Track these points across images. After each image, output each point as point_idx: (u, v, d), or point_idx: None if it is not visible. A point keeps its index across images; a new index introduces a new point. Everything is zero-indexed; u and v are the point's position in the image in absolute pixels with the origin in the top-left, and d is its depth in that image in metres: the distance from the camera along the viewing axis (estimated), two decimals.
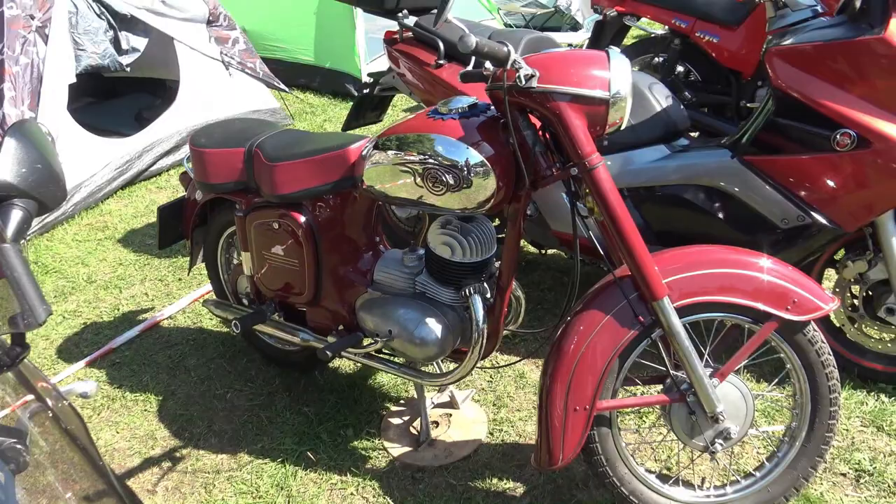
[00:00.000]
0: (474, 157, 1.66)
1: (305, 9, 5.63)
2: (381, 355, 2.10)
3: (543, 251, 2.90)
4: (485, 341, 1.86)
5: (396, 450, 2.16)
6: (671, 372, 1.72)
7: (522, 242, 3.12)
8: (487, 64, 1.61)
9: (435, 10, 3.00)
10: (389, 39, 2.93)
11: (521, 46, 2.60)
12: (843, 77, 1.95)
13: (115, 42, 4.32)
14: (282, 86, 4.95)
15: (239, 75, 4.79)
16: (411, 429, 2.23)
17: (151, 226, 3.69)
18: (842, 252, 2.28)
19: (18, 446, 0.87)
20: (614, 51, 1.61)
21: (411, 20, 2.71)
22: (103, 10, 4.20)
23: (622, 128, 1.64)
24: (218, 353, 2.66)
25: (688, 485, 1.83)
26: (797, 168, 2.05)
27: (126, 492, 1.02)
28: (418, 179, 1.74)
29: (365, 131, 3.76)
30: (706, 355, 1.72)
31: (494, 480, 2.03)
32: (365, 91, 3.06)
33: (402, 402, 2.35)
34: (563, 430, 1.67)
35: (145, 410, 2.40)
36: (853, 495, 1.91)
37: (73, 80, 3.98)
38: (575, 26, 6.38)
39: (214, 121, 4.25)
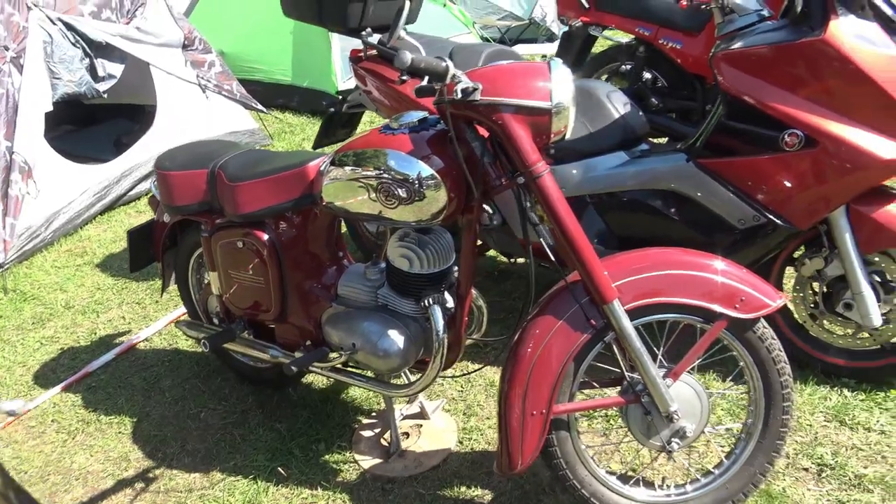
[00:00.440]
0: (424, 170, 1.70)
1: (282, 29, 5.68)
2: (349, 368, 2.13)
3: (513, 260, 2.94)
4: (446, 351, 1.89)
5: (367, 462, 2.18)
6: (626, 374, 1.75)
7: (494, 252, 3.17)
8: None
9: (404, 29, 3.07)
10: (355, 58, 2.98)
11: (482, 60, 2.64)
12: (788, 79, 1.99)
13: (92, 69, 4.36)
14: (259, 106, 4.99)
15: (216, 98, 4.84)
16: (382, 441, 2.25)
17: None
18: (802, 250, 2.32)
19: None
20: (556, 62, 1.66)
21: (375, 38, 2.76)
22: (78, 38, 4.24)
23: (568, 136, 1.68)
24: (193, 374, 2.68)
25: (649, 485, 1.85)
26: (749, 169, 2.09)
27: None
28: (373, 194, 1.77)
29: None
30: (660, 356, 1.75)
31: (463, 488, 2.05)
32: (332, 110, 3.10)
33: (373, 414, 2.37)
34: (522, 435, 1.70)
35: (119, 433, 2.42)
36: (815, 489, 1.94)
37: (50, 108, 4.01)
38: (551, 37, 6.46)
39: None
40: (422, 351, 1.99)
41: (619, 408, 1.82)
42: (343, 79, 5.50)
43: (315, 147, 3.29)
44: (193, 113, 4.68)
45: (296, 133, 5.36)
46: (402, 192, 1.73)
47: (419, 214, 1.75)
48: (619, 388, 1.80)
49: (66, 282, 3.47)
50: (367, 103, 3.00)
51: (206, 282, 2.52)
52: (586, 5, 3.61)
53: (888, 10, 1.94)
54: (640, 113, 2.54)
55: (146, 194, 4.44)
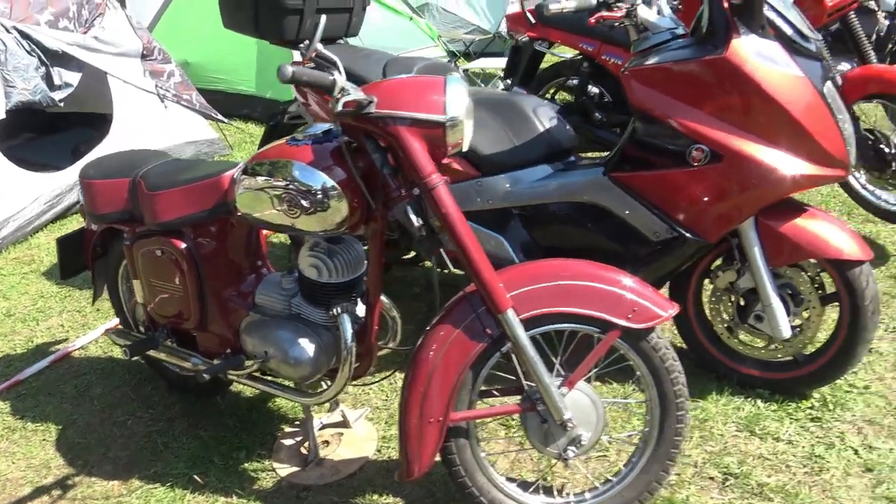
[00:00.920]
0: (326, 181, 1.73)
1: (246, 41, 5.67)
2: (265, 376, 2.15)
3: (447, 269, 2.96)
4: (354, 359, 1.91)
5: (285, 470, 2.19)
6: (524, 382, 1.78)
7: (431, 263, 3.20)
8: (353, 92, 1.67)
9: (343, 40, 3.12)
10: None
11: (414, 73, 2.68)
12: (693, 95, 2.05)
13: (48, 78, 4.37)
14: (219, 116, 5.01)
15: (175, 107, 4.86)
16: (302, 449, 2.26)
17: None
18: (720, 262, 2.37)
19: None
20: (453, 77, 1.70)
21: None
22: (34, 47, 4.26)
23: (464, 148, 1.72)
24: (124, 382, 2.69)
25: (548, 491, 1.88)
26: (659, 183, 2.14)
27: None
28: (279, 204, 1.80)
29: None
30: (557, 365, 1.79)
31: (376, 496, 2.07)
32: (271, 123, 3.13)
33: (296, 423, 2.39)
34: (419, 442, 1.72)
35: (44, 440, 2.42)
36: (718, 498, 1.97)
37: (3, 116, 4.02)
38: None
39: None
40: (334, 359, 2.01)
41: (520, 416, 1.84)
42: None
43: None
44: (151, 122, 4.69)
45: (256, 143, 5.37)
46: (304, 203, 1.76)
47: (322, 225, 1.78)
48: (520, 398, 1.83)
49: (9, 290, 3.47)
50: (306, 115, 3.03)
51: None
52: (532, 21, 3.68)
53: (788, 30, 2.00)
54: (568, 127, 2.58)
55: None
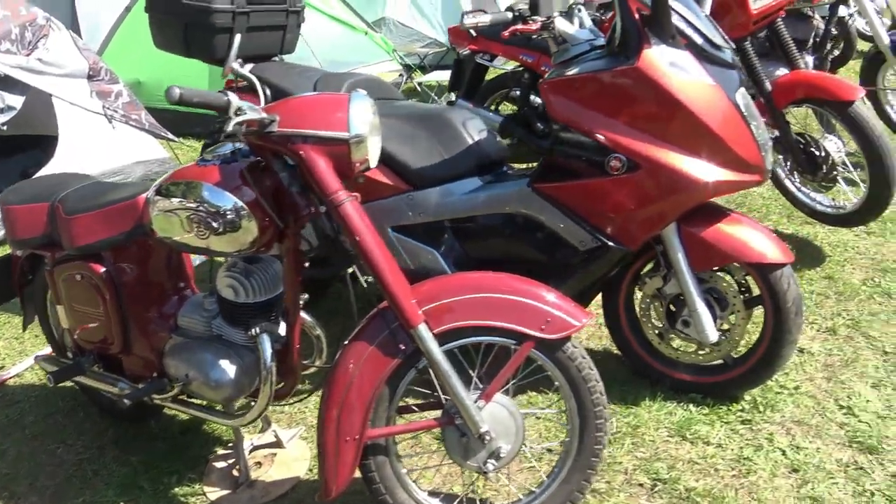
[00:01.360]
0: (235, 201, 1.72)
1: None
2: (191, 399, 2.12)
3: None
4: (275, 379, 1.90)
5: (215, 493, 2.16)
6: (442, 396, 1.77)
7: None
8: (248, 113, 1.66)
9: (278, 57, 3.11)
10: (228, 88, 2.99)
11: (345, 89, 2.68)
12: (608, 105, 2.07)
13: None
14: (169, 135, 4.97)
15: (124, 127, 4.81)
16: (234, 471, 2.23)
17: None
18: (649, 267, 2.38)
19: None
20: (358, 94, 1.70)
21: (247, 68, 2.80)
22: None
23: (372, 165, 1.72)
24: (57, 409, 2.64)
25: None
26: (580, 193, 2.16)
27: None
28: (191, 225, 1.79)
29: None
30: (475, 378, 1.78)
31: None
32: (206, 142, 3.11)
33: (229, 445, 2.36)
34: (336, 461, 1.71)
35: None
36: None
37: None
38: None
39: (97, 174, 4.26)
40: (257, 380, 1.99)
41: (440, 430, 1.83)
42: None
43: None
44: (98, 143, 4.64)
45: None
46: (214, 224, 1.74)
47: (234, 245, 1.77)
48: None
49: None
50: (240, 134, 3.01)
51: None
52: (473, 34, 3.70)
53: (698, 39, 2.03)
54: (498, 139, 2.60)
55: None
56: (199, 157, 1.83)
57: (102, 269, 2.06)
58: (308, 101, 1.67)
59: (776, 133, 3.09)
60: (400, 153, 2.50)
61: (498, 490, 2.04)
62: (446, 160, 2.48)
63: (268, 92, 2.71)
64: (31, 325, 3.09)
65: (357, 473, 1.75)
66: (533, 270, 2.39)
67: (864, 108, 2.83)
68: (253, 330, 1.90)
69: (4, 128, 4.39)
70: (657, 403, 2.35)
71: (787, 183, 3.25)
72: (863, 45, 5.39)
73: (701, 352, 2.35)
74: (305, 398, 2.32)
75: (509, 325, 1.71)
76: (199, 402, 2.12)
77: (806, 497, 1.95)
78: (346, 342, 1.77)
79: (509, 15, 2.23)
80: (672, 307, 2.32)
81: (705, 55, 2.04)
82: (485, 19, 2.22)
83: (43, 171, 4.35)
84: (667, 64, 1.99)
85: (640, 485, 2.05)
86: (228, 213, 1.73)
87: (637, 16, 2.00)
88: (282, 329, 1.96)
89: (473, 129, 2.54)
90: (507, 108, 4.20)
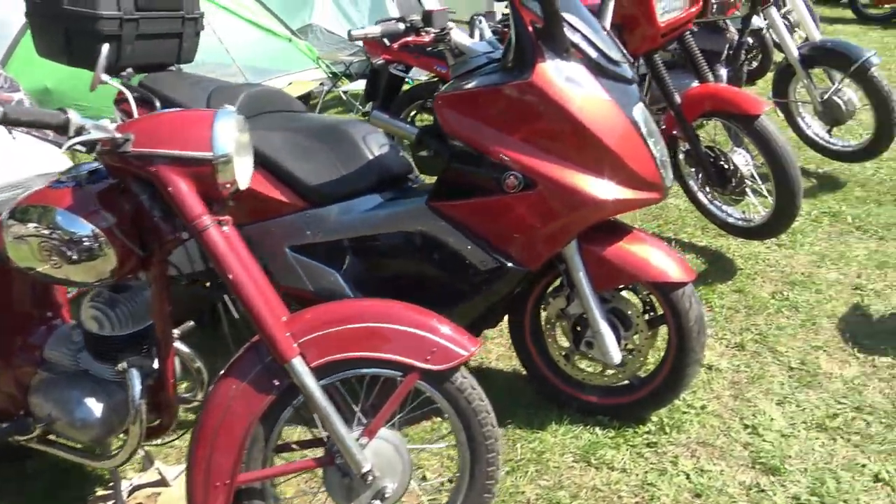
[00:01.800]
0: (91, 227, 1.57)
1: None
2: (60, 440, 1.95)
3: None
4: (145, 417, 1.75)
5: None
6: (323, 434, 1.66)
7: None
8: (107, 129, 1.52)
9: (173, 67, 2.95)
10: (118, 100, 2.82)
11: (240, 101, 2.54)
12: (503, 121, 1.99)
13: None
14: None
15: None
16: None
17: None
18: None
19: None
20: (224, 111, 1.57)
21: (138, 78, 2.64)
22: None
23: (241, 187, 1.60)
24: None
25: None
26: (476, 211, 2.08)
27: None
28: (45, 253, 1.63)
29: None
30: (358, 412, 1.68)
31: None
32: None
33: (111, 485, 2.19)
34: None
35: None
36: None
37: None
38: None
39: None
40: (128, 418, 1.84)
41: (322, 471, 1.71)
42: None
43: None
44: None
45: None
46: (68, 252, 1.59)
47: (93, 275, 1.62)
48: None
49: None
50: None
51: None
52: (387, 43, 3.60)
53: (593, 54, 1.97)
54: (401, 153, 2.50)
55: None
56: (54, 180, 1.68)
57: None
58: (167, 119, 1.54)
59: (687, 146, 3.08)
60: (297, 169, 2.38)
61: None
62: (345, 176, 2.37)
63: (158, 105, 2.55)
64: None
65: None
66: (435, 290, 2.32)
67: (769, 122, 2.84)
68: (121, 364, 1.75)
69: None
70: (563, 427, 2.28)
71: (700, 196, 3.24)
72: (781, 56, 5.51)
73: (607, 373, 2.30)
74: (184, 434, 2.17)
75: (392, 357, 1.61)
76: (66, 442, 1.95)
77: None
78: (215, 380, 1.64)
79: (401, 26, 2.14)
80: (577, 327, 2.26)
81: (601, 70, 1.98)
82: (375, 31, 2.12)
83: None
84: (561, 79, 1.93)
85: None
86: (84, 240, 1.58)
87: (531, 29, 1.93)
88: (156, 362, 1.82)
89: (374, 143, 2.43)
90: (425, 119, 4.12)
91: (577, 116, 1.92)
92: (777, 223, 2.98)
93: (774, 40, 5.05)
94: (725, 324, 2.77)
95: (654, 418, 2.29)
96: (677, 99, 2.99)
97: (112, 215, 1.59)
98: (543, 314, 2.32)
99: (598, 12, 2.26)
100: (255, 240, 2.47)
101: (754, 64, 5.53)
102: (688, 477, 2.07)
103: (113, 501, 2.12)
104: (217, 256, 1.52)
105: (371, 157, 2.40)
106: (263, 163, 2.42)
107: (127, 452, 1.80)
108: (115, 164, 1.54)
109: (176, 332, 1.84)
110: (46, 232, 1.61)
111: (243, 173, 1.59)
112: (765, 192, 3.03)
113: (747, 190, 3.05)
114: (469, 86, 2.04)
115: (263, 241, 2.46)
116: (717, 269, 3.15)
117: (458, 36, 2.13)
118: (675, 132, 3.10)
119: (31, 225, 1.64)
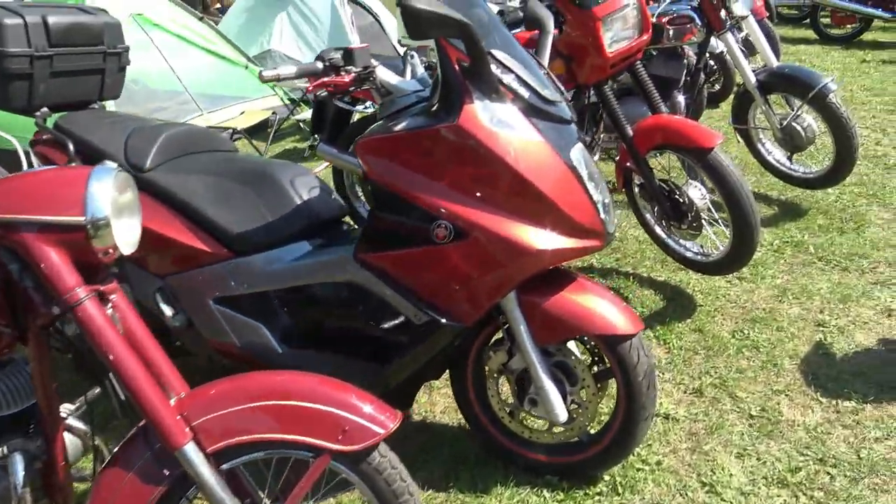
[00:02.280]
0: None
1: None
2: None
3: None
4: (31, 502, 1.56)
5: None
6: None
7: None
8: None
9: (95, 105, 2.77)
10: (33, 140, 2.64)
11: (159, 143, 2.37)
12: (430, 166, 1.84)
13: None
14: None
15: None
16: None
17: None
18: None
19: None
20: (102, 168, 1.40)
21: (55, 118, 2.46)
22: None
23: (125, 252, 1.43)
24: None
25: None
26: (405, 263, 1.92)
27: None
28: None
29: None
30: (264, 498, 1.50)
31: None
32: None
33: None
34: None
35: None
36: None
37: None
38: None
39: None
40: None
41: None
42: None
43: None
44: None
45: None
46: None
47: None
48: None
49: None
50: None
51: None
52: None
53: (525, 93, 1.83)
54: (333, 196, 2.35)
55: None
56: None
57: None
58: (33, 180, 1.37)
59: (640, 180, 2.96)
60: (218, 216, 2.21)
61: None
62: (270, 223, 2.21)
63: (70, 146, 2.37)
64: None
65: None
66: (368, 345, 2.16)
67: (723, 156, 2.72)
68: (2, 449, 1.56)
69: None
70: (509, 489, 2.12)
71: (657, 229, 3.12)
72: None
73: (554, 430, 2.14)
74: None
75: (301, 438, 1.44)
76: None
77: None
78: (102, 467, 1.46)
79: (319, 65, 1.98)
80: (522, 382, 2.10)
81: (535, 110, 1.85)
82: (289, 72, 1.97)
83: None
84: (490, 121, 1.79)
85: None
86: None
87: (457, 68, 1.79)
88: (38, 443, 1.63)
89: (303, 186, 2.28)
90: None
91: (508, 161, 1.78)
92: (735, 259, 2.86)
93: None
94: (684, 367, 2.63)
95: (607, 477, 2.14)
96: (629, 131, 2.87)
97: None
98: (487, 368, 2.16)
99: (536, 48, 2.12)
100: (178, 291, 2.31)
101: (717, 86, 5.47)
102: None
103: None
104: (92, 334, 1.35)
105: (299, 201, 2.24)
106: (183, 210, 2.26)
107: None
108: None
109: (67, 407, 1.66)
110: None
111: (127, 237, 1.42)
112: (722, 227, 2.91)
113: (704, 224, 2.93)
114: (397, 128, 1.89)
115: (187, 292, 2.29)
116: (676, 306, 3.01)
117: (385, 74, 1.98)
118: (628, 164, 2.98)
119: None
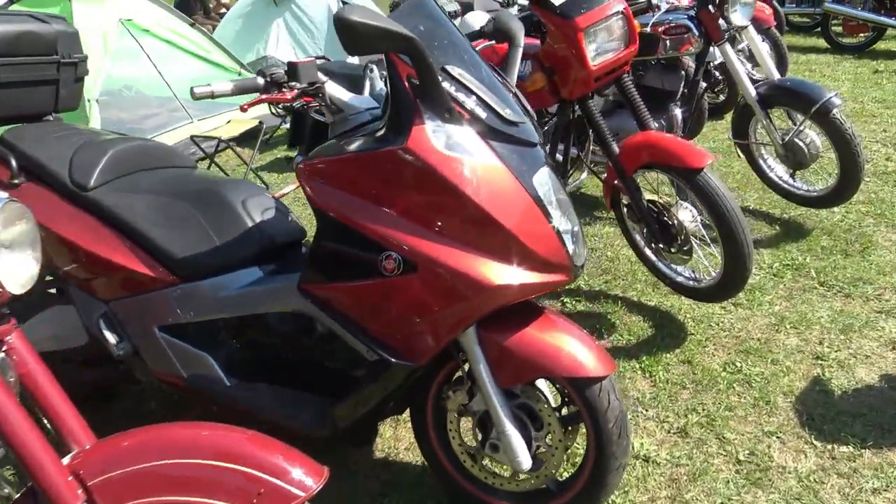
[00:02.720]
0: None
1: None
2: None
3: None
4: None
5: None
6: None
7: None
8: None
9: (50, 117, 2.63)
10: None
11: (107, 158, 2.22)
12: (377, 193, 1.68)
13: None
14: None
15: None
16: None
17: None
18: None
19: None
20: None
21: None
22: None
23: (14, 293, 1.28)
24: None
25: None
26: (351, 296, 1.76)
27: None
28: None
29: None
30: None
31: None
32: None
33: None
34: None
35: None
36: None
37: None
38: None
39: None
40: None
41: None
42: None
43: None
44: None
45: None
46: None
47: None
48: None
49: None
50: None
51: None
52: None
53: (482, 114, 1.67)
54: (290, 217, 2.20)
55: None
56: None
57: None
58: None
59: (627, 200, 2.79)
60: (162, 239, 2.07)
61: None
62: (218, 247, 2.06)
63: (14, 163, 2.23)
64: None
65: None
66: (318, 380, 2.01)
67: (713, 177, 2.54)
68: None
69: None
70: None
71: (647, 252, 2.94)
72: None
73: (519, 477, 1.97)
74: None
75: (206, 501, 1.28)
76: None
77: None
78: None
79: (260, 81, 1.83)
80: (485, 425, 1.93)
81: (494, 132, 1.68)
82: (224, 88, 1.82)
83: None
84: (442, 144, 1.62)
85: None
86: None
87: (408, 85, 1.63)
88: None
89: (256, 207, 2.13)
90: None
91: (462, 188, 1.61)
92: (727, 286, 2.68)
93: None
94: (669, 403, 2.45)
95: None
96: (615, 148, 2.70)
97: None
98: (447, 407, 1.99)
99: (504, 64, 1.96)
100: (123, 318, 2.16)
101: (721, 97, 5.28)
102: None
103: None
104: None
105: (251, 223, 2.09)
106: (127, 231, 2.11)
107: None
108: None
109: None
110: None
111: (16, 276, 1.27)
112: (714, 251, 2.73)
113: (695, 248, 2.75)
114: (344, 150, 1.74)
115: (132, 319, 2.15)
116: (665, 334, 2.83)
117: (334, 90, 1.83)
118: (616, 182, 2.81)
119: None
